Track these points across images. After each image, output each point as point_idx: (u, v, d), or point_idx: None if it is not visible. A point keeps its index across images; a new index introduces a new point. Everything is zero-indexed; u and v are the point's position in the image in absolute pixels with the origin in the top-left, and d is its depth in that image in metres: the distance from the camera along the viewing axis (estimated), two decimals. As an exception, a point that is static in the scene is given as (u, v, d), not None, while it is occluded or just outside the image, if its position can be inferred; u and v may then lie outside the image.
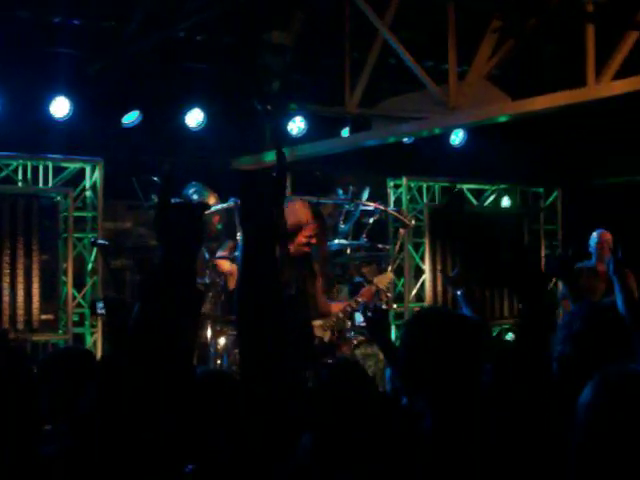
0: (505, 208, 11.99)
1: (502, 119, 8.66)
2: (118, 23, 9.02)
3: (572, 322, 3.35)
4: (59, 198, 9.12)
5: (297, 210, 6.76)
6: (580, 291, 8.09)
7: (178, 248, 2.38)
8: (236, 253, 7.52)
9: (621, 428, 2.22)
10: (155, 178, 9.04)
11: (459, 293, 4.69)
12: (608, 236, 9.30)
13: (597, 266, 9.19)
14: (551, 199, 12.09)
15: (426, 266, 10.77)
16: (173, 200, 2.44)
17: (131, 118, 9.60)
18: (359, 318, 8.02)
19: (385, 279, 8.34)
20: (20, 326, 8.73)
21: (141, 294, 2.41)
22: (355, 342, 8.28)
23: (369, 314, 4.28)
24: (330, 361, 4.94)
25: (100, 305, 5.42)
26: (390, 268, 10.07)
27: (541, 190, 12.11)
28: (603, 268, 8.36)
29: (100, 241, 8.55)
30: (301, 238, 6.71)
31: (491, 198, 11.90)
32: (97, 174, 9.29)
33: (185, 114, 9.79)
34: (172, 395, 2.41)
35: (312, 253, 6.97)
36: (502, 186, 11.90)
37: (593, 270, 9.20)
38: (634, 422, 2.21)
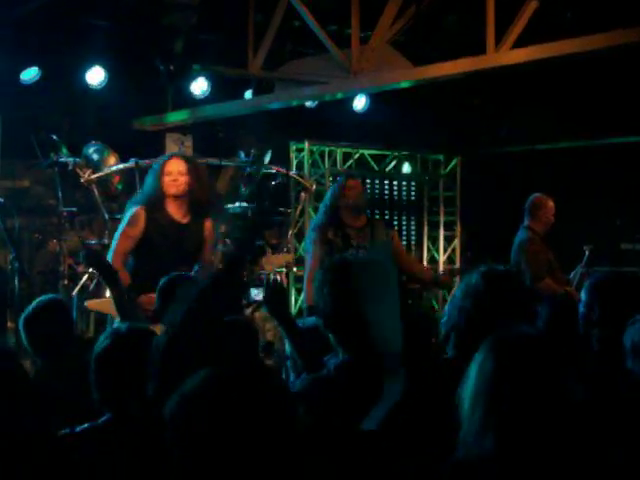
0: (405, 174, 12.13)
1: (404, 85, 8.75)
2: (17, -22, 8.81)
3: (471, 279, 3.43)
4: (-46, 155, 8.91)
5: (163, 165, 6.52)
6: None
7: None
8: None
9: (510, 384, 2.33)
10: (54, 136, 8.89)
11: None
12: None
13: None
14: (450, 166, 12.26)
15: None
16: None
17: (30, 75, 9.40)
18: (254, 292, 8.02)
19: (277, 261, 8.24)
20: None
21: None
22: (255, 304, 8.30)
23: (268, 291, 4.31)
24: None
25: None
26: (291, 232, 10.12)
27: (441, 157, 12.27)
28: None
29: (-3, 199, 8.38)
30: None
31: (392, 164, 12.02)
32: (-6, 131, 9.10)
33: (86, 72, 9.61)
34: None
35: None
36: (403, 152, 12.02)
37: None
38: (524, 379, 2.32)
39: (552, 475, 2.31)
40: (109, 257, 6.19)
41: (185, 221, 6.50)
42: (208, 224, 6.63)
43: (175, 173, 6.41)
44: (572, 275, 8.17)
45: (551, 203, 8.23)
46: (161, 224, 6.38)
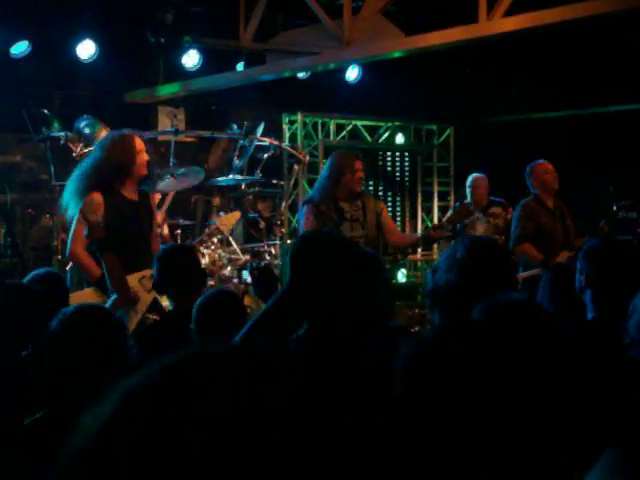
0: (399, 145, 12.11)
1: (396, 54, 8.71)
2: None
3: (455, 252, 3.41)
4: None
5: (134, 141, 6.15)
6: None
7: None
8: None
9: (508, 347, 2.33)
10: (45, 110, 8.85)
11: None
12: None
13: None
14: (444, 136, 12.23)
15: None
16: None
17: (20, 49, 9.33)
18: (246, 275, 8.01)
19: (228, 221, 8.24)
20: None
21: None
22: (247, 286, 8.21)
23: (254, 273, 4.35)
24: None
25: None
26: (284, 204, 10.09)
27: (434, 127, 12.24)
28: None
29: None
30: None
31: (385, 135, 11.99)
32: (-15, 106, 9.05)
33: (76, 45, 9.54)
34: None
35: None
36: (396, 123, 11.99)
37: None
38: (516, 341, 2.32)
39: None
40: (68, 246, 5.97)
41: (136, 198, 6.22)
42: (152, 197, 6.46)
43: (144, 152, 6.14)
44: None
45: (542, 167, 8.05)
46: (118, 206, 6.05)
